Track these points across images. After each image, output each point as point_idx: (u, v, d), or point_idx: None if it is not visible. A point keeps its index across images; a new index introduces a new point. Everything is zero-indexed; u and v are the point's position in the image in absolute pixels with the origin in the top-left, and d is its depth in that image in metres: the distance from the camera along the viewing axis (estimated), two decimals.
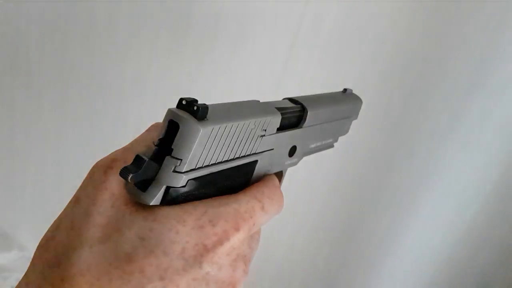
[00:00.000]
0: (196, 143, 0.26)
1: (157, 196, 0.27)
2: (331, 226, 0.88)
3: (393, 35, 0.71)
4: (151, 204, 0.27)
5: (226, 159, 0.30)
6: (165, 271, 0.25)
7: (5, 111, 0.86)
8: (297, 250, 0.93)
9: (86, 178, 0.29)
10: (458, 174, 0.78)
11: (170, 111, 0.27)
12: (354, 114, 0.47)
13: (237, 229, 0.28)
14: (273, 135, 0.34)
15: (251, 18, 0.73)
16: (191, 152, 0.27)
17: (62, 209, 0.29)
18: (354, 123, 0.48)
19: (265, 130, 0.32)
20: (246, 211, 0.29)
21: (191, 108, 0.26)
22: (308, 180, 0.82)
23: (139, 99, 0.82)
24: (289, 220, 0.87)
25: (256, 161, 0.34)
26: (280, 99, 0.39)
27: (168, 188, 0.27)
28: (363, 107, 0.48)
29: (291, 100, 0.38)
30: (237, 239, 0.28)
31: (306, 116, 0.38)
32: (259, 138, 0.32)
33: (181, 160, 0.27)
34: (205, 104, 0.27)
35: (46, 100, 0.84)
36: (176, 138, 0.26)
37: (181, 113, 0.26)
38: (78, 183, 0.30)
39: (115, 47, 0.79)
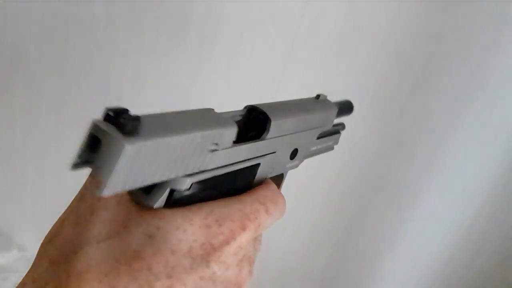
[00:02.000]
0: (118, 162, 0.22)
1: (161, 199, 0.27)
2: (331, 227, 0.89)
3: (392, 36, 0.71)
4: (154, 207, 0.26)
5: (230, 162, 0.30)
6: (172, 269, 0.25)
7: (5, 111, 0.86)
8: (297, 251, 0.93)
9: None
10: (458, 174, 0.78)
11: (93, 124, 0.23)
12: (327, 124, 0.42)
13: (243, 229, 0.28)
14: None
15: (251, 19, 0.73)
16: (113, 171, 0.22)
17: (64, 207, 0.29)
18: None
19: (217, 144, 0.28)
20: (252, 212, 0.29)
21: (118, 121, 0.23)
22: (308, 181, 0.82)
23: (139, 99, 0.82)
24: (289, 221, 0.87)
25: (259, 164, 0.34)
26: (278, 100, 0.37)
27: (172, 191, 0.27)
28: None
29: (253, 108, 0.34)
30: (244, 239, 0.28)
31: (270, 126, 0.33)
32: (210, 153, 0.28)
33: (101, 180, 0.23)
34: (137, 116, 0.23)
35: (46, 100, 0.84)
36: (97, 154, 0.23)
37: (106, 126, 0.23)
38: (78, 183, 0.30)
39: (115, 48, 0.79)
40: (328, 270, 0.92)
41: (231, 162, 0.30)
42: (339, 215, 0.87)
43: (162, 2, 0.74)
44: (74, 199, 0.29)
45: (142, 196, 0.27)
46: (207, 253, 0.26)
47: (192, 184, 0.28)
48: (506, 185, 0.76)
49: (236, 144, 0.30)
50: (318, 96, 0.41)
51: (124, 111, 0.23)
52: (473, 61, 0.69)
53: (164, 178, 0.26)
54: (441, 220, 0.82)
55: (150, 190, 0.27)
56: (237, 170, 0.31)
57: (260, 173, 0.34)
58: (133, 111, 0.24)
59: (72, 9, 0.76)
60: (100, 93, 0.83)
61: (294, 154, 0.39)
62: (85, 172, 0.31)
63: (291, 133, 0.36)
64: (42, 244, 0.28)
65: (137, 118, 0.23)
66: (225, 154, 0.29)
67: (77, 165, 0.23)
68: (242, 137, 0.31)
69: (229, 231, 0.27)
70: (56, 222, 0.28)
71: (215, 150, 0.28)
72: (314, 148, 0.42)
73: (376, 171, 0.81)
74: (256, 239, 0.32)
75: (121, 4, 0.75)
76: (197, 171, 0.28)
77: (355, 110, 0.48)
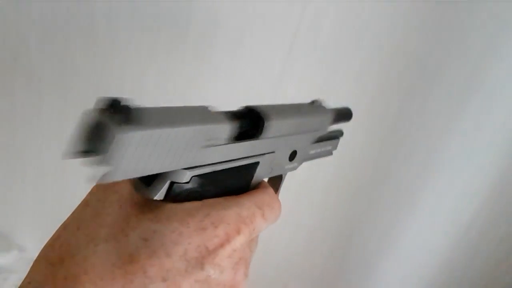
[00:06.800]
0: (112, 149, 0.23)
1: (161, 190, 0.27)
2: (330, 228, 0.89)
3: (391, 37, 0.71)
4: (154, 198, 0.27)
5: (227, 159, 0.30)
6: (167, 272, 0.25)
7: (5, 112, 0.86)
8: (296, 252, 0.93)
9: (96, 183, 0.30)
10: (457, 175, 0.78)
11: (86, 114, 0.24)
12: (321, 128, 0.43)
13: (238, 232, 0.28)
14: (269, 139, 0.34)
15: (250, 20, 0.73)
16: (109, 158, 0.23)
17: (64, 208, 0.29)
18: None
19: (210, 140, 0.29)
20: (248, 216, 0.29)
21: (111, 111, 0.24)
22: (307, 182, 0.82)
23: (139, 101, 0.82)
24: (288, 222, 0.87)
25: (258, 162, 0.34)
26: (279, 101, 0.38)
27: (172, 183, 0.27)
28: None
29: (251, 109, 0.35)
30: (238, 242, 0.28)
31: (264, 127, 0.34)
32: (204, 148, 0.29)
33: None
34: (127, 106, 0.24)
35: (46, 101, 0.84)
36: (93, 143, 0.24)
37: (99, 116, 0.24)
38: (78, 184, 0.30)
39: (115, 49, 0.79)
40: (328, 270, 0.92)
41: (227, 159, 0.31)
42: (338, 216, 0.87)
43: (162, 2, 0.74)
44: (78, 206, 0.29)
45: (143, 188, 0.27)
46: (202, 256, 0.26)
47: (192, 178, 0.28)
48: (504, 185, 0.76)
49: (232, 142, 0.31)
50: (313, 102, 0.43)
51: (116, 102, 0.24)
52: (471, 63, 0.69)
53: (161, 170, 0.26)
54: (440, 221, 0.82)
55: (151, 182, 0.27)
56: (237, 167, 0.32)
57: (259, 172, 0.35)
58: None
59: (72, 9, 0.76)
60: (100, 93, 0.83)
61: (293, 155, 0.39)
62: (83, 173, 0.31)
63: (286, 135, 0.37)
64: (43, 247, 0.28)
65: (127, 108, 0.24)
66: (220, 150, 0.30)
67: (74, 154, 0.24)
68: (241, 136, 0.32)
69: (224, 234, 0.27)
70: (59, 227, 0.29)
71: (210, 145, 0.29)
72: (313, 152, 0.43)
73: (375, 172, 0.81)
74: (252, 241, 0.32)
75: (121, 4, 0.75)
76: (194, 165, 0.28)
77: (354, 110, 0.49)
